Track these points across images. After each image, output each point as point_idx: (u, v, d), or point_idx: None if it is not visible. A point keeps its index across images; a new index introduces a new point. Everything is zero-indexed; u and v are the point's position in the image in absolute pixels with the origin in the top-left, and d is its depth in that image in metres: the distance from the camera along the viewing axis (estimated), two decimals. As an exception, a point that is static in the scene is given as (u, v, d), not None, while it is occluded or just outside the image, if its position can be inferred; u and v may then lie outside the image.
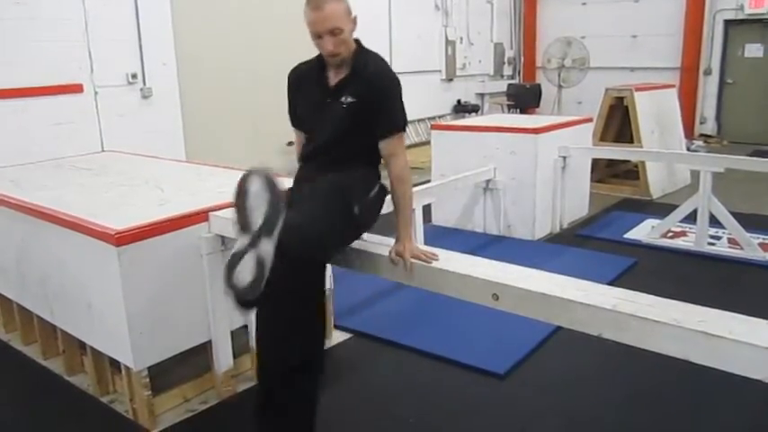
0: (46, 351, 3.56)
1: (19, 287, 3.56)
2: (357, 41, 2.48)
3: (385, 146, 2.44)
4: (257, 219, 2.02)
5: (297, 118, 2.65)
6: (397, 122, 2.45)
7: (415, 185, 5.35)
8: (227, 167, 4.02)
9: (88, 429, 2.99)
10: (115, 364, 3.06)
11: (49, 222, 3.05)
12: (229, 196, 3.00)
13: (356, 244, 2.51)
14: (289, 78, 2.63)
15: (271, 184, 2.05)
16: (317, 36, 2.32)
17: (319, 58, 2.48)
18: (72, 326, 3.21)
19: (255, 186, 2.05)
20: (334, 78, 2.45)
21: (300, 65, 2.61)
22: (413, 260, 2.35)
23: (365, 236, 2.58)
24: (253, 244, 2.02)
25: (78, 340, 3.25)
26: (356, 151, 2.48)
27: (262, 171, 2.08)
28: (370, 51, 2.50)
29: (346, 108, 2.41)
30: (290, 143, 8.75)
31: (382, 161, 2.50)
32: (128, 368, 2.89)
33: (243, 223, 2.05)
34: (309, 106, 2.54)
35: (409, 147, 10.32)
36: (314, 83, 2.50)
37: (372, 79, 2.41)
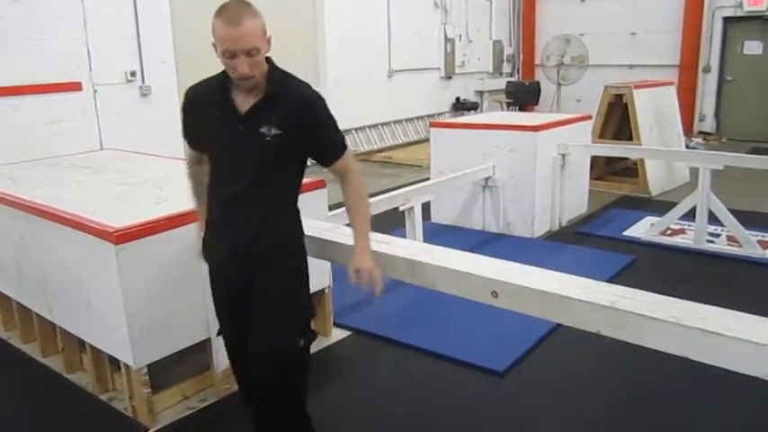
0: (45, 349, 3.56)
1: (18, 285, 3.55)
2: (268, 60, 2.19)
3: (337, 167, 2.28)
4: None
5: (198, 141, 2.33)
6: (341, 142, 2.29)
7: (414, 183, 5.37)
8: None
9: (88, 427, 2.99)
10: (114, 362, 3.06)
11: (47, 220, 3.05)
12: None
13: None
14: (186, 97, 2.28)
15: None
16: (230, 56, 2.03)
17: (222, 78, 2.18)
18: (71, 324, 3.21)
19: None
20: (243, 103, 2.15)
21: (200, 83, 2.28)
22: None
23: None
24: None
25: (77, 338, 3.25)
26: (281, 187, 2.26)
27: None
28: (285, 72, 2.24)
29: (271, 141, 2.13)
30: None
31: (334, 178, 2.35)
32: (127, 366, 2.89)
33: None
34: (216, 134, 2.21)
35: (408, 144, 10.35)
36: (217, 107, 2.18)
37: (302, 108, 2.18)
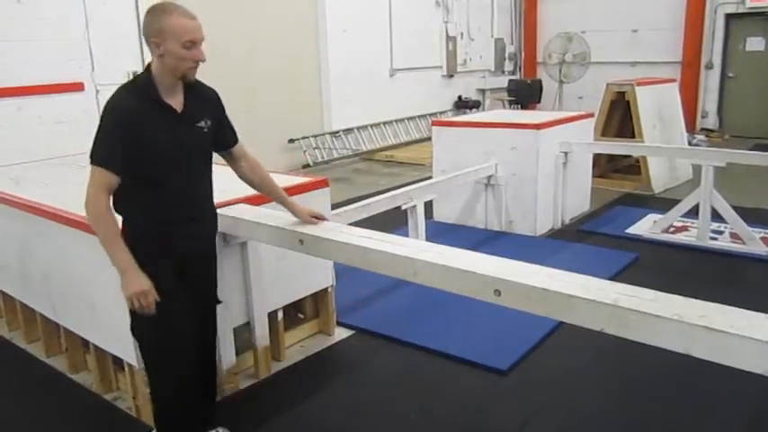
0: (49, 349, 3.57)
1: (22, 285, 3.56)
2: None
3: (238, 148, 2.58)
4: None
5: (131, 159, 2.21)
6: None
7: (417, 182, 5.36)
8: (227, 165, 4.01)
9: (91, 427, 3.00)
10: (118, 362, 3.07)
11: (50, 220, 3.06)
12: (230, 194, 3.02)
13: (361, 242, 2.50)
14: (127, 113, 2.18)
15: None
16: (192, 44, 2.19)
17: (146, 82, 2.24)
18: (75, 324, 3.22)
19: None
20: (174, 102, 2.28)
21: (128, 95, 2.23)
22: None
23: (368, 233, 2.59)
24: None
25: (81, 338, 3.26)
26: (212, 171, 2.51)
27: None
28: None
29: (207, 132, 2.38)
30: (292, 141, 8.66)
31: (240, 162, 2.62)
32: (131, 366, 2.90)
33: None
34: (165, 141, 2.25)
35: (410, 143, 10.34)
36: (154, 115, 2.23)
37: (214, 96, 2.45)
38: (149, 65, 2.27)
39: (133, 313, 2.35)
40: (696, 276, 4.57)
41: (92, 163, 2.20)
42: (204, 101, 2.39)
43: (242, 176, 2.65)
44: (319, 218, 2.70)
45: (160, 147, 2.24)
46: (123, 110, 2.19)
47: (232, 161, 2.61)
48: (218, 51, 7.63)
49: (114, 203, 2.28)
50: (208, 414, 2.71)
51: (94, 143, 2.20)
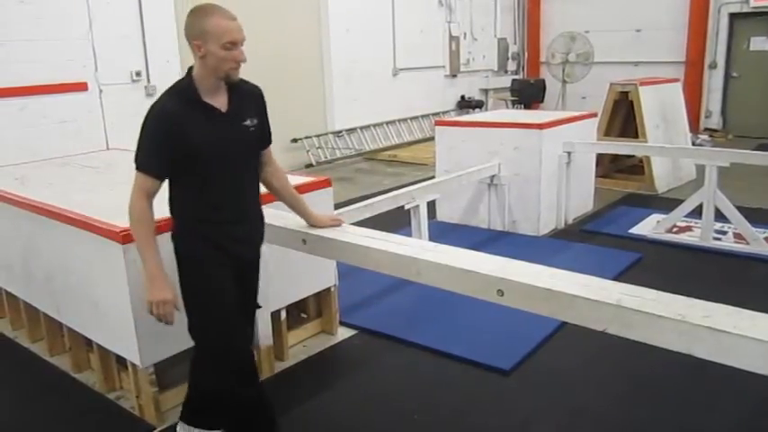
0: (52, 348, 3.58)
1: (25, 285, 3.57)
2: None
3: (268, 152, 2.52)
4: None
5: (175, 162, 2.24)
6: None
7: (420, 182, 5.36)
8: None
9: (94, 426, 3.00)
10: (121, 361, 3.08)
11: (54, 220, 3.06)
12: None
13: (364, 241, 2.51)
14: (170, 118, 2.20)
15: None
16: (232, 45, 2.18)
17: (188, 86, 2.24)
18: (78, 323, 3.22)
19: None
20: (218, 102, 2.27)
21: (170, 98, 2.25)
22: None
23: (370, 233, 2.59)
24: None
25: (85, 337, 3.26)
26: (258, 174, 2.50)
27: None
28: None
29: (254, 131, 2.36)
30: (294, 140, 8.70)
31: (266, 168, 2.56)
32: (134, 365, 2.90)
33: None
34: (210, 143, 2.24)
35: (413, 143, 10.34)
36: (197, 116, 2.23)
37: (258, 93, 2.43)
38: (191, 68, 2.26)
39: (189, 310, 2.39)
40: (699, 277, 4.57)
41: (136, 168, 2.24)
42: (249, 99, 2.37)
43: (264, 181, 2.57)
44: (339, 220, 2.73)
45: (206, 148, 2.23)
46: (164, 113, 2.20)
47: (259, 164, 2.53)
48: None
49: (169, 204, 2.34)
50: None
51: (137, 148, 2.23)
